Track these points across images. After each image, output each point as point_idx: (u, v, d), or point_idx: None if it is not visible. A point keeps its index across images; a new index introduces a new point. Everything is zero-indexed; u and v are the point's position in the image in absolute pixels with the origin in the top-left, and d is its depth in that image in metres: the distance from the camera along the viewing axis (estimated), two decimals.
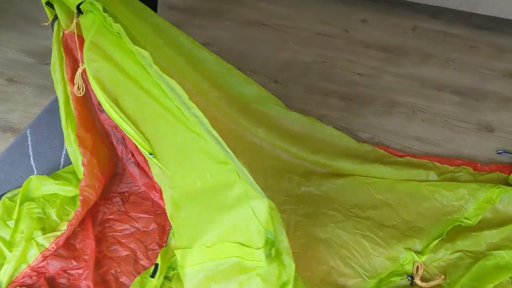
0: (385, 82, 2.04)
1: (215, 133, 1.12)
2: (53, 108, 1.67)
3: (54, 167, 1.68)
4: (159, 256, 1.36)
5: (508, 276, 1.35)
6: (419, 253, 1.42)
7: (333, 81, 2.04)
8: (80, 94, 1.40)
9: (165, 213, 1.48)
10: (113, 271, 1.43)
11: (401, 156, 1.73)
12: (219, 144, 1.11)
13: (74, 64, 1.50)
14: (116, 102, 1.24)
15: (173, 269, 1.38)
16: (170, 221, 1.36)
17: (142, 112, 1.25)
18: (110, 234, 1.52)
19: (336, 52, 2.18)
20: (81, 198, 1.47)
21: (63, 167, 1.68)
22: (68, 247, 1.47)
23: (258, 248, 1.01)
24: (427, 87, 2.01)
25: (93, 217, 1.54)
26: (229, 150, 1.10)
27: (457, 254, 1.42)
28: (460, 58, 2.12)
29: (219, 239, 1.08)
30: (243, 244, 1.03)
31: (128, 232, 1.52)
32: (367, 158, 1.71)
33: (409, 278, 1.38)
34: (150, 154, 1.27)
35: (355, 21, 2.33)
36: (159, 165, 1.27)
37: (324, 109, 1.91)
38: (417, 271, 1.39)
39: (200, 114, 1.14)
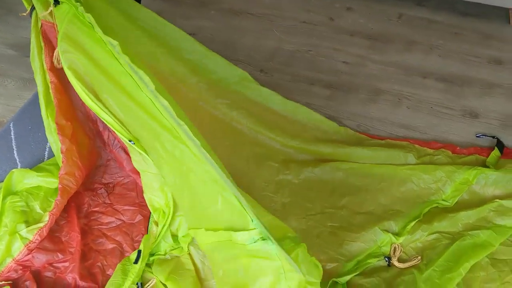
0: (370, 70, 2.04)
1: (181, 122, 1.14)
2: (37, 101, 1.64)
3: (38, 160, 1.67)
4: (141, 243, 1.36)
5: (485, 255, 1.35)
6: (396, 234, 1.42)
7: (318, 70, 2.04)
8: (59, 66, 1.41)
9: None
10: (99, 264, 1.43)
11: (381, 139, 1.73)
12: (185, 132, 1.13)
13: (53, 53, 1.49)
14: (93, 91, 1.24)
15: (153, 255, 1.39)
16: (150, 206, 1.38)
17: (115, 102, 1.25)
18: (96, 227, 1.51)
19: (321, 40, 2.17)
20: (60, 186, 1.46)
21: (47, 160, 1.66)
22: (53, 240, 1.46)
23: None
24: (412, 74, 2.01)
25: (78, 209, 1.53)
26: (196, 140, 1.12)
27: (434, 236, 1.43)
28: (444, 45, 2.13)
29: None
30: None
31: (114, 225, 1.51)
32: (347, 141, 1.71)
33: (386, 259, 1.39)
34: (130, 140, 1.27)
35: (340, 9, 2.32)
36: (139, 151, 1.27)
37: (310, 97, 1.91)
38: (394, 252, 1.40)
39: (166, 103, 1.15)
